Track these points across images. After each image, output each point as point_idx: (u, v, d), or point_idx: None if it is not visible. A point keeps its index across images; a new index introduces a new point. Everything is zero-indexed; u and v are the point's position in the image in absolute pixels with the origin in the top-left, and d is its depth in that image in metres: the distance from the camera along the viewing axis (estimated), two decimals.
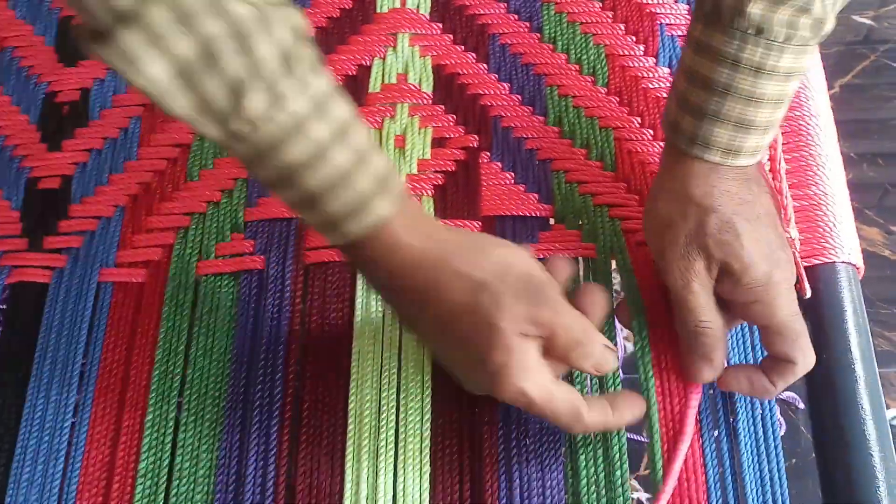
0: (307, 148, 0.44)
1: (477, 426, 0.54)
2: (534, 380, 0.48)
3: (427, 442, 0.54)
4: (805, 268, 0.58)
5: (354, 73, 0.67)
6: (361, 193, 0.46)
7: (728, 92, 0.50)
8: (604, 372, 0.51)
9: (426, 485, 0.53)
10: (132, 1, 0.40)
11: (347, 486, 0.53)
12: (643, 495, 1.14)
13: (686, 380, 0.54)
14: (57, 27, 0.72)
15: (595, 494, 0.52)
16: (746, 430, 0.54)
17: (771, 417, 0.55)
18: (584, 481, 0.53)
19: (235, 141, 0.44)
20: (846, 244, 0.59)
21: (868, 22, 1.53)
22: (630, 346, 0.58)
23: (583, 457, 0.53)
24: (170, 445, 0.55)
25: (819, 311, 0.56)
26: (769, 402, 0.55)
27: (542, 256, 0.59)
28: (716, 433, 0.55)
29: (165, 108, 0.42)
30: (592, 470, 0.53)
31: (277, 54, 0.43)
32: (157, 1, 0.40)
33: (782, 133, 0.63)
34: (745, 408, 0.55)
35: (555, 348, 0.49)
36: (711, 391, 0.55)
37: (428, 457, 0.53)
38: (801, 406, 0.83)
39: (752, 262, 0.50)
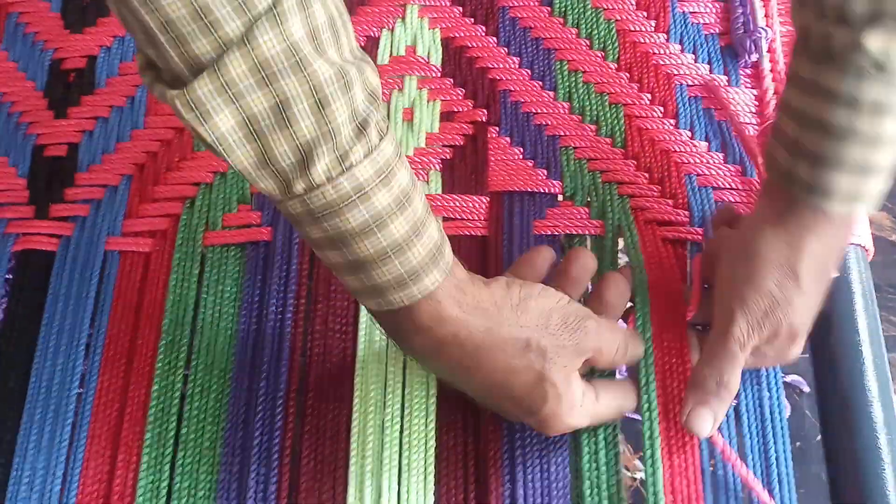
0: (366, 216, 0.42)
1: (481, 432, 0.54)
2: (581, 413, 0.49)
3: (432, 443, 0.53)
4: None
5: (363, 44, 0.67)
6: (414, 266, 0.44)
7: (847, 135, 0.45)
8: (637, 360, 0.53)
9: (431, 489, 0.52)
10: (212, 50, 0.38)
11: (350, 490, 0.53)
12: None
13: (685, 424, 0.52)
14: None
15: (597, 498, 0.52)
16: (751, 411, 0.54)
17: (777, 399, 0.55)
18: (588, 483, 0.52)
19: (291, 200, 0.42)
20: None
21: None
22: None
23: (586, 458, 0.53)
24: (175, 417, 0.55)
25: (831, 310, 0.56)
26: (776, 383, 0.55)
27: (550, 233, 0.59)
28: None
29: (223, 157, 0.41)
30: (595, 473, 0.52)
31: (352, 119, 0.41)
32: (238, 53, 0.38)
33: None
34: (751, 389, 0.55)
35: (599, 362, 0.51)
36: None
37: (433, 464, 0.53)
38: (806, 389, 0.83)
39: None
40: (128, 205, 0.62)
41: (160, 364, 0.57)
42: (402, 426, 0.54)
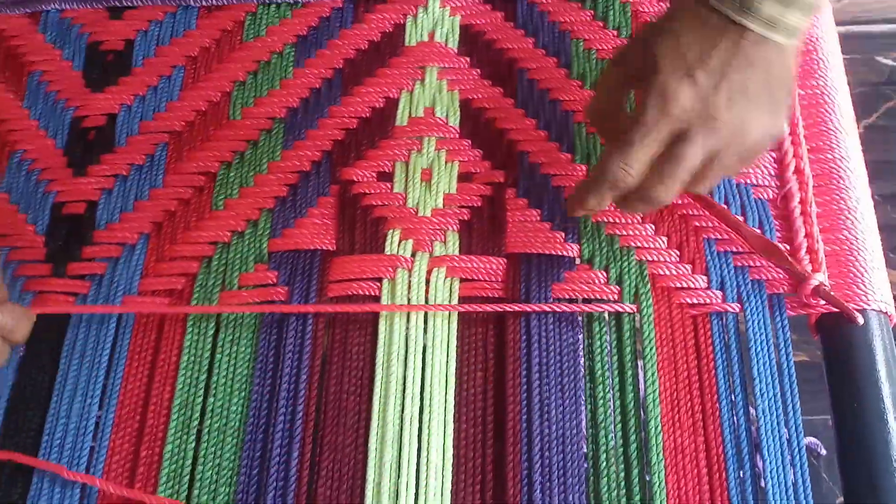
0: None
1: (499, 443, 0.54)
2: None
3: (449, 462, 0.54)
4: (835, 314, 0.57)
5: (382, 105, 0.67)
6: None
7: None
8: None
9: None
10: None
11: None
12: None
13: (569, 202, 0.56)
14: (85, 52, 0.72)
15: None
16: (775, 475, 0.53)
17: (801, 463, 0.54)
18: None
19: None
20: (878, 291, 0.58)
21: (891, 63, 1.53)
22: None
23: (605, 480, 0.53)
24: (188, 478, 0.55)
25: (851, 360, 0.55)
26: (799, 447, 0.55)
27: (563, 296, 0.59)
28: (741, 474, 0.54)
29: None
30: (615, 494, 0.53)
31: None
32: None
33: (812, 175, 0.62)
34: (775, 452, 0.54)
35: None
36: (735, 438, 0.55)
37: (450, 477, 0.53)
38: (823, 452, 0.82)
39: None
40: (145, 264, 0.62)
41: (173, 424, 0.56)
42: (416, 491, 0.53)
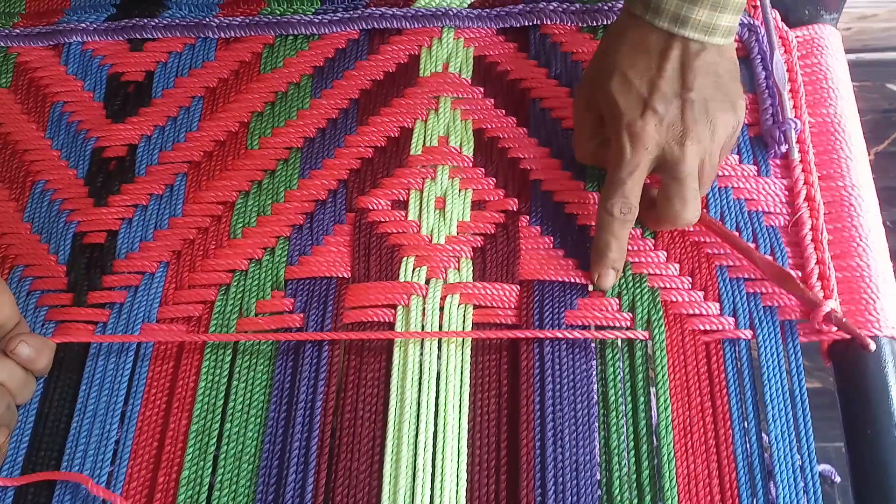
0: None
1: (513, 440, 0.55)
2: None
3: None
4: (847, 341, 0.57)
5: (397, 134, 0.68)
6: None
7: None
8: None
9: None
10: None
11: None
12: None
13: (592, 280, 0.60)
14: (106, 83, 0.74)
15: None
16: (789, 502, 0.53)
17: (815, 490, 0.54)
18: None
19: None
20: (890, 317, 0.58)
21: None
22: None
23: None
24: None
25: (863, 386, 0.56)
26: (812, 474, 0.55)
27: (576, 323, 0.59)
28: (754, 501, 0.54)
29: None
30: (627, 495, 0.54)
31: None
32: None
33: (823, 202, 0.63)
34: (788, 479, 0.54)
35: None
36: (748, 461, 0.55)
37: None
38: (837, 479, 0.82)
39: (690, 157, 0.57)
40: (164, 292, 0.63)
41: (190, 450, 0.57)
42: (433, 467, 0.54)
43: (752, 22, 0.71)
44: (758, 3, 0.71)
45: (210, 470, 0.57)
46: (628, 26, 0.59)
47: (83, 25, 0.76)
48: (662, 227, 0.62)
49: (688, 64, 0.57)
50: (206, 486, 0.56)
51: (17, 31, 0.76)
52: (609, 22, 0.72)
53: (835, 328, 0.58)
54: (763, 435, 0.56)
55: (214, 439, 0.57)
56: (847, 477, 0.57)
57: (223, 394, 0.59)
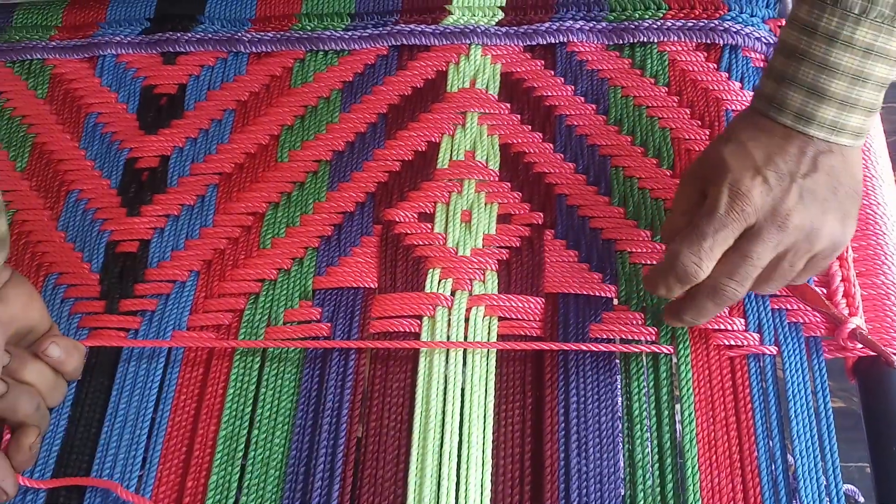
0: None
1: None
2: None
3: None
4: (872, 358, 0.58)
5: (424, 149, 0.69)
6: None
7: (804, 57, 0.52)
8: None
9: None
10: None
11: None
12: None
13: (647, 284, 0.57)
14: (140, 96, 0.75)
15: None
16: None
17: None
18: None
19: None
20: None
21: None
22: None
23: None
24: None
25: (888, 403, 0.56)
26: (838, 492, 0.55)
27: (600, 336, 0.60)
28: None
29: None
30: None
31: None
32: None
33: None
34: (813, 497, 0.54)
35: None
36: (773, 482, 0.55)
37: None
38: (861, 500, 0.82)
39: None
40: (194, 300, 0.64)
41: (218, 456, 0.58)
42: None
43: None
44: (783, 23, 0.72)
45: (238, 475, 0.57)
46: (752, 120, 0.55)
47: (118, 39, 0.77)
48: (698, 306, 0.56)
49: (808, 158, 0.53)
50: (234, 492, 0.57)
51: (54, 43, 0.78)
52: (636, 40, 0.72)
53: (860, 345, 0.58)
54: (787, 454, 0.56)
55: (242, 445, 0.58)
56: (871, 498, 0.57)
57: (251, 400, 0.60)
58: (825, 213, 0.53)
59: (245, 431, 0.59)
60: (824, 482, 0.55)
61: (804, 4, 0.53)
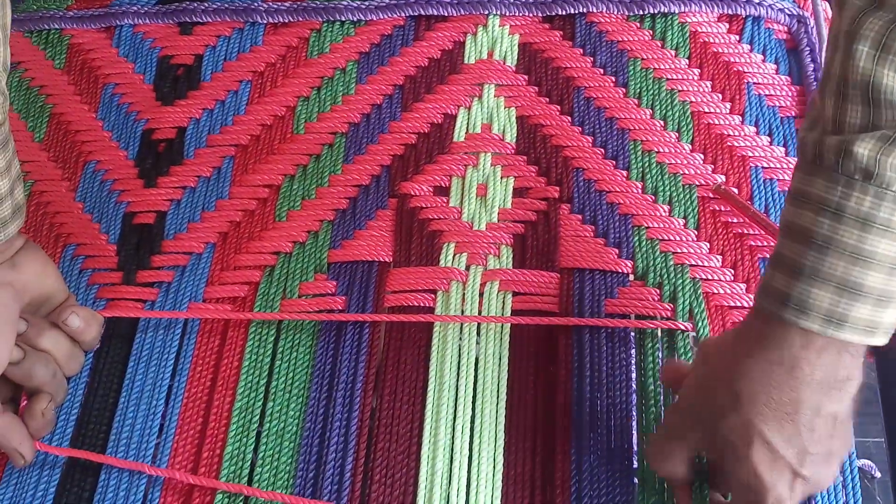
0: None
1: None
2: None
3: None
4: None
5: (440, 121, 0.69)
6: None
7: (829, 246, 0.42)
8: None
9: None
10: None
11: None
12: None
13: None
14: (156, 66, 0.75)
15: None
16: (826, 497, 0.53)
17: (854, 485, 0.54)
18: None
19: None
20: None
21: None
22: None
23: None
24: (246, 479, 0.57)
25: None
26: (852, 469, 0.54)
27: (615, 312, 0.60)
28: None
29: None
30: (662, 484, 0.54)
31: None
32: None
33: None
34: None
35: None
36: None
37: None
38: (878, 475, 0.81)
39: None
40: (210, 272, 0.64)
41: (234, 426, 0.58)
42: (467, 499, 0.55)
43: (801, 13, 0.70)
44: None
45: (252, 446, 0.58)
46: (761, 335, 0.45)
47: (134, 8, 0.77)
48: None
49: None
50: (249, 462, 0.57)
51: (71, 13, 0.78)
52: (656, 11, 0.71)
53: None
54: None
55: (257, 416, 0.59)
56: (888, 472, 0.57)
57: (266, 372, 0.60)
58: (824, 467, 0.46)
59: (260, 403, 0.59)
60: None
61: (817, 179, 0.42)
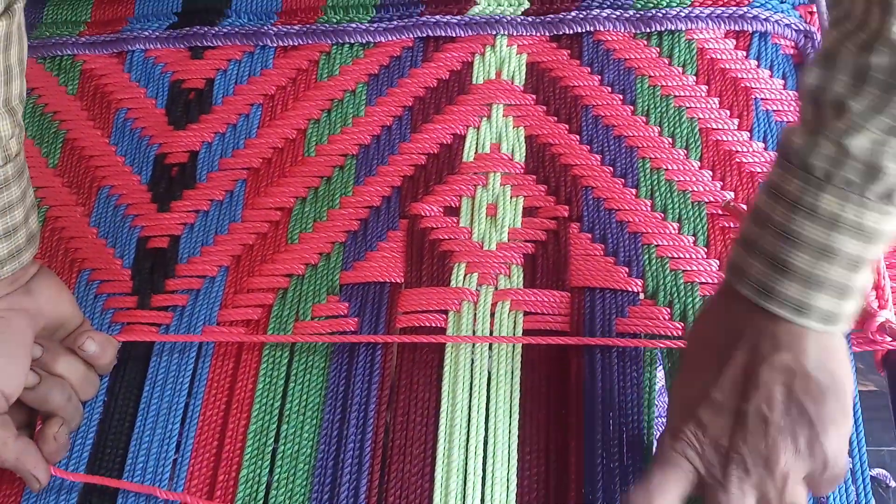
0: None
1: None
2: None
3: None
4: None
5: (449, 141, 0.69)
6: None
7: (766, 223, 0.47)
8: None
9: None
10: None
11: None
12: None
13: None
14: (168, 91, 0.76)
15: None
16: None
17: (866, 493, 0.54)
18: None
19: None
20: None
21: None
22: None
23: None
24: (262, 502, 0.57)
25: None
26: (864, 477, 0.54)
27: (626, 331, 0.60)
28: None
29: None
30: None
31: None
32: None
33: None
34: (838, 489, 0.54)
35: None
36: None
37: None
38: (892, 484, 0.81)
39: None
40: (224, 295, 0.65)
41: (249, 449, 0.59)
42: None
43: (808, 28, 0.70)
44: (814, 9, 0.71)
45: (268, 469, 0.58)
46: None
47: (146, 33, 0.78)
48: None
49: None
50: (264, 485, 0.58)
51: (83, 39, 0.79)
52: (663, 28, 0.72)
53: (889, 338, 0.57)
54: None
55: (272, 439, 0.59)
56: None
57: (280, 395, 0.60)
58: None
59: (275, 425, 0.60)
60: (850, 466, 0.54)
61: (776, 166, 0.48)
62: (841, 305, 0.46)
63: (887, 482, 0.84)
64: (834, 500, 0.54)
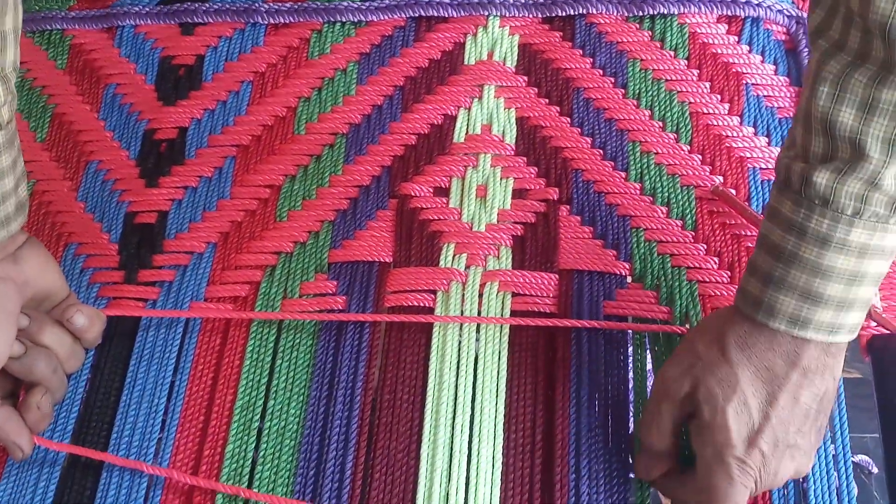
0: None
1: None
2: None
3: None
4: (886, 336, 0.57)
5: (440, 122, 0.69)
6: None
7: (794, 261, 0.48)
8: None
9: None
10: None
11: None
12: None
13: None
14: (158, 67, 0.75)
15: None
16: (819, 495, 0.54)
17: (847, 480, 0.55)
18: None
19: None
20: None
21: None
22: None
23: None
24: (247, 477, 0.57)
25: None
26: (846, 464, 0.55)
27: (613, 314, 0.60)
28: (785, 490, 0.54)
29: None
30: None
31: None
32: None
33: None
34: (820, 471, 0.54)
35: None
36: None
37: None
38: (875, 470, 0.81)
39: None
40: (211, 272, 0.65)
41: (235, 425, 0.59)
42: (466, 497, 0.55)
43: (800, 14, 0.70)
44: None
45: (254, 445, 0.58)
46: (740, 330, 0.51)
47: (136, 9, 0.77)
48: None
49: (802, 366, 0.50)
50: (250, 461, 0.58)
51: (73, 14, 0.78)
52: (656, 12, 0.72)
53: (874, 323, 0.58)
54: None
55: (258, 415, 0.59)
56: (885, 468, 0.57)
57: (267, 371, 0.60)
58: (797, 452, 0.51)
59: (261, 401, 0.59)
60: (833, 453, 0.55)
61: (786, 200, 0.49)
62: (862, 315, 0.50)
63: (870, 468, 0.84)
64: (815, 483, 0.54)
